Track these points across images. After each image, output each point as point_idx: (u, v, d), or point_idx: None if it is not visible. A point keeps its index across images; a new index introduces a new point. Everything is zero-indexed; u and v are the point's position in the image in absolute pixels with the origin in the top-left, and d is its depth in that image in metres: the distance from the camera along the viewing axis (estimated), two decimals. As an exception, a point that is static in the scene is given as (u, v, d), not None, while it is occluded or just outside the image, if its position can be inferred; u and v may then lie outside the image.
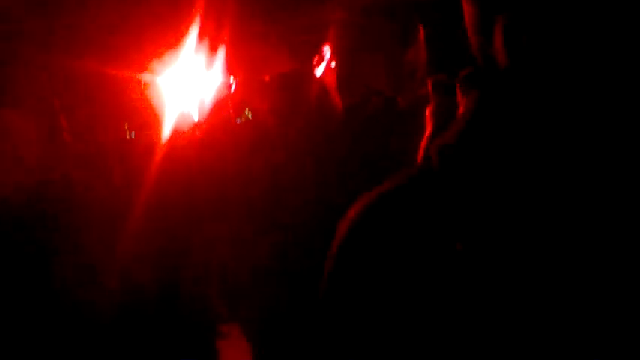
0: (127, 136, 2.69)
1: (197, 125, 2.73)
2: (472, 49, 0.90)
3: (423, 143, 1.60)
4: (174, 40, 2.81)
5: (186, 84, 2.75)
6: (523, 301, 0.74)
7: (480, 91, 0.83)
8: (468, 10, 0.89)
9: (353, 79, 2.61)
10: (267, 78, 2.52)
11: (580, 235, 0.74)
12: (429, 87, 1.66)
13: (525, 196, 0.76)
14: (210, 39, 2.81)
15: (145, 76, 2.76)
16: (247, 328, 2.59)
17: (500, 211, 0.76)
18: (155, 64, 2.80)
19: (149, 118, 2.67)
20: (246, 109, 2.73)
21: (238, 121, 2.68)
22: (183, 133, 2.69)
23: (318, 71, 2.63)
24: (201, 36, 2.82)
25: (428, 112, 1.64)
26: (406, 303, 0.76)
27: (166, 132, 2.64)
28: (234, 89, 2.68)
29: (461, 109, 0.85)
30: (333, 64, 2.65)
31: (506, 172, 0.77)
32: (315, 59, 2.63)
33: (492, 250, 0.75)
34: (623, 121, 0.76)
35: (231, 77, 2.75)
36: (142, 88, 2.69)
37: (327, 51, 2.63)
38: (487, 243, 0.75)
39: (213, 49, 2.82)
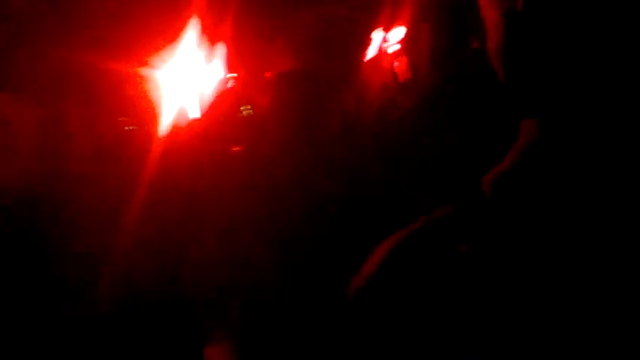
0: (126, 131, 2.68)
1: (196, 120, 2.72)
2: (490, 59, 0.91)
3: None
4: (174, 34, 2.80)
5: (186, 78, 2.73)
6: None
7: (538, 123, 0.84)
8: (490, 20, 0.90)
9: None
10: (268, 75, 2.52)
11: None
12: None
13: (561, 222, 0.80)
14: (212, 33, 2.80)
15: (145, 70, 2.74)
16: (233, 331, 2.57)
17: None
18: (155, 58, 2.78)
19: (148, 112, 2.65)
20: (246, 105, 2.72)
21: (238, 116, 2.67)
22: (183, 127, 2.67)
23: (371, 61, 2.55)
24: (202, 30, 2.80)
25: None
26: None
27: (165, 127, 2.63)
28: (235, 85, 2.67)
29: (519, 141, 0.86)
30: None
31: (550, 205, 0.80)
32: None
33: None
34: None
35: (232, 73, 2.75)
36: (141, 83, 2.68)
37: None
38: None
39: (213, 44, 2.80)
